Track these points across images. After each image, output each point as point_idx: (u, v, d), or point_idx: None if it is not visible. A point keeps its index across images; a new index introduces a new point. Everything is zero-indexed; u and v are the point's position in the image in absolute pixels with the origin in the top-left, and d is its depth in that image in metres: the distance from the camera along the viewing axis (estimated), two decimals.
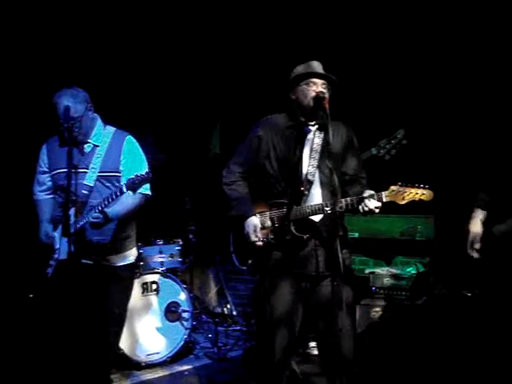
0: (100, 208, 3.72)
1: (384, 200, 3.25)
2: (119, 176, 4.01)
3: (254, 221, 3.55)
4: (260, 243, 3.51)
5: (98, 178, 3.93)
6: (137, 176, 3.60)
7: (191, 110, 7.36)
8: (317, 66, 3.58)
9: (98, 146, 3.98)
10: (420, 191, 3.22)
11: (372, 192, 3.28)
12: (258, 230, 3.53)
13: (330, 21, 6.04)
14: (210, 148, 7.86)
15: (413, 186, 3.23)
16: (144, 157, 4.11)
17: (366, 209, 3.26)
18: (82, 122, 3.89)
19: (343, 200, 3.32)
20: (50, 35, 5.58)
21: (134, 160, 4.05)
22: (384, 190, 3.27)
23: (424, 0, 5.58)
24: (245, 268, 3.76)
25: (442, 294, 4.98)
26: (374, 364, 4.46)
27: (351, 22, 5.99)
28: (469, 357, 4.33)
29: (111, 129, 4.10)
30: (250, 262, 3.69)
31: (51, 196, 4.11)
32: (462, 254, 5.06)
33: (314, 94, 3.46)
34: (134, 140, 4.13)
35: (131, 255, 4.23)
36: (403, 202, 3.24)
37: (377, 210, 3.27)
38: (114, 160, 4.00)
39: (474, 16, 5.29)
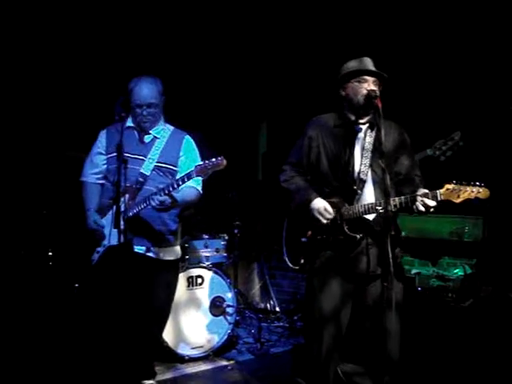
0: (167, 191, 3.78)
1: (439, 199, 3.20)
2: (175, 171, 4.12)
3: (321, 201, 3.52)
4: (329, 219, 3.48)
5: (155, 168, 4.06)
6: (210, 161, 3.64)
7: (239, 107, 7.38)
8: (369, 63, 3.55)
9: (158, 138, 4.13)
10: (476, 189, 3.16)
11: (426, 191, 3.24)
12: (329, 207, 3.49)
13: (384, 17, 5.95)
14: (257, 146, 7.87)
15: (468, 184, 3.17)
16: (199, 157, 4.18)
17: (421, 208, 3.22)
18: (153, 110, 4.04)
19: (396, 199, 3.29)
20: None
21: (192, 158, 4.16)
22: (439, 189, 3.23)
23: None
24: (296, 268, 3.75)
25: (488, 296, 4.90)
26: (418, 366, 4.42)
27: (407, 18, 5.89)
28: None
29: (170, 126, 4.25)
30: (301, 261, 3.69)
31: (101, 182, 4.21)
32: (510, 256, 5.00)
33: (365, 91, 3.44)
34: (192, 140, 4.22)
35: (178, 250, 4.31)
36: (459, 201, 3.19)
37: (432, 209, 3.23)
38: (173, 155, 4.14)
39: None
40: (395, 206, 3.28)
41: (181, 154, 4.17)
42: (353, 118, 3.56)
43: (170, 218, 4.15)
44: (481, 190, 3.17)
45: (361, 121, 3.55)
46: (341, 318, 3.56)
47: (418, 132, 3.78)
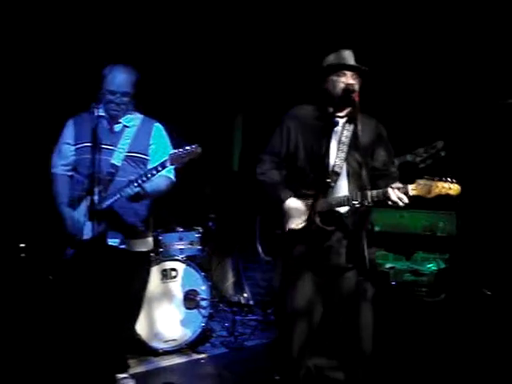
0: (140, 181, 3.74)
1: (410, 194, 3.19)
2: (146, 159, 4.08)
3: (295, 202, 3.51)
4: (302, 224, 3.46)
5: (125, 158, 4.00)
6: (184, 149, 3.60)
7: (215, 99, 7.33)
8: (348, 56, 3.53)
9: (128, 127, 4.07)
10: (447, 185, 3.15)
11: (399, 185, 3.23)
12: (301, 206, 3.48)
13: (366, 15, 5.94)
14: (232, 137, 7.84)
15: (440, 180, 3.16)
16: (171, 145, 4.14)
17: (391, 202, 3.22)
18: (126, 99, 3.99)
19: (369, 192, 3.29)
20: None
21: (163, 146, 4.13)
22: (411, 184, 3.22)
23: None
24: (269, 259, 3.74)
25: (461, 291, 4.95)
26: (391, 359, 4.44)
27: (390, 21, 5.89)
28: (486, 355, 4.31)
29: (140, 115, 4.19)
30: (274, 253, 3.68)
31: (70, 173, 4.12)
32: (483, 251, 5.05)
33: (343, 85, 3.43)
34: (162, 127, 4.19)
35: (151, 241, 4.28)
36: (430, 196, 3.18)
37: (402, 204, 3.22)
38: (143, 143, 4.09)
39: None
40: (368, 199, 3.27)
41: (151, 142, 4.11)
42: (331, 110, 3.54)
43: (143, 209, 4.10)
44: (452, 186, 3.16)
45: (339, 114, 3.54)
46: (313, 312, 3.55)
47: (400, 137, 3.77)
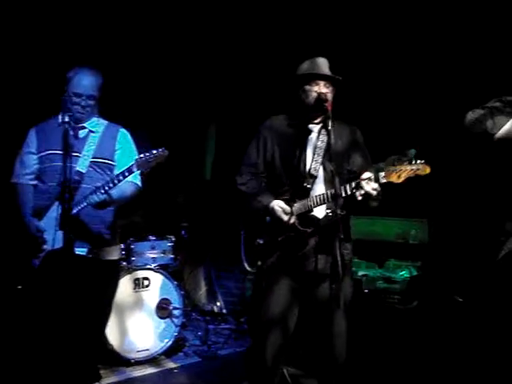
0: (106, 188, 3.70)
1: (381, 181, 3.21)
2: (112, 165, 4.02)
3: (278, 202, 3.51)
4: (293, 219, 3.46)
5: (91, 164, 3.92)
6: (151, 153, 3.57)
7: (187, 109, 7.32)
8: (321, 65, 3.55)
9: (92, 133, 4.00)
10: (415, 166, 3.16)
11: (370, 174, 3.25)
12: (287, 208, 3.48)
13: (335, 23, 5.97)
14: (206, 146, 7.84)
15: (409, 163, 3.18)
16: (136, 150, 4.11)
17: (362, 191, 3.23)
18: (92, 102, 3.93)
19: (343, 187, 3.29)
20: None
21: (129, 151, 4.08)
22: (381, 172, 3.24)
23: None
24: (254, 271, 3.72)
25: (433, 298, 4.98)
26: (364, 367, 4.45)
27: (356, 24, 5.93)
28: (458, 360, 4.34)
29: (104, 120, 4.13)
30: (259, 263, 3.66)
31: (34, 182, 4.02)
32: (454, 258, 5.09)
33: (315, 94, 3.46)
34: (127, 133, 4.15)
35: (119, 250, 4.24)
36: (400, 181, 3.18)
37: (374, 192, 3.23)
38: (108, 148, 4.02)
39: None
40: (344, 192, 3.28)
41: (117, 147, 4.05)
42: (305, 119, 3.57)
43: (109, 216, 4.02)
44: (420, 166, 3.17)
45: (313, 121, 3.57)
46: (288, 320, 3.55)
47: (372, 145, 3.79)
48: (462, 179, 5.25)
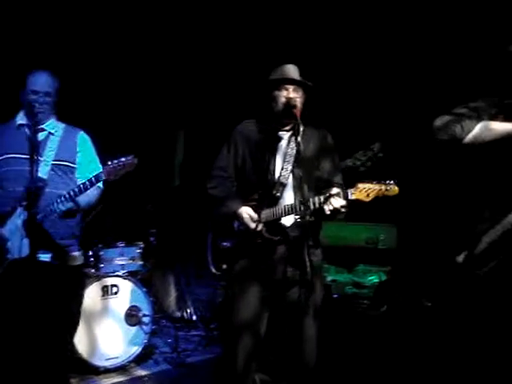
0: (71, 196, 3.65)
1: (350, 198, 3.24)
2: (74, 168, 3.96)
3: (246, 208, 3.52)
4: (260, 227, 3.46)
5: (52, 168, 3.85)
6: (119, 160, 3.52)
7: (156, 114, 7.30)
8: (290, 71, 3.57)
9: (52, 135, 3.93)
10: (384, 187, 3.20)
11: (338, 190, 3.27)
12: (254, 214, 3.49)
13: (302, 29, 6.01)
14: (174, 153, 7.82)
15: (378, 183, 3.22)
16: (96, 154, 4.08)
17: (331, 207, 3.24)
18: (50, 100, 3.88)
19: (311, 199, 3.30)
20: None
21: (89, 154, 4.04)
22: (351, 188, 3.26)
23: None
24: (219, 274, 3.72)
25: (402, 303, 5.01)
26: (334, 372, 4.46)
27: (320, 29, 5.98)
28: (427, 364, 4.37)
29: (62, 124, 4.06)
30: (224, 267, 3.66)
31: None
32: (422, 262, 5.13)
33: (284, 99, 3.48)
34: (87, 136, 4.12)
35: (82, 256, 4.16)
36: (368, 200, 3.22)
37: (342, 209, 3.26)
38: (69, 151, 3.97)
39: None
40: (313, 204, 3.29)
41: (78, 149, 3.99)
42: (275, 125, 3.59)
43: (73, 223, 3.96)
44: (389, 187, 3.21)
45: (283, 128, 3.58)
46: (258, 327, 3.55)
47: (339, 142, 3.82)
48: (430, 184, 5.30)
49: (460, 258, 3.21)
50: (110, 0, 5.85)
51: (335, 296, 5.32)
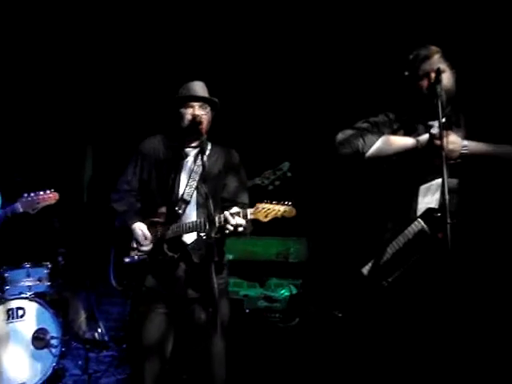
0: None
1: (249, 217, 3.26)
2: None
3: (140, 225, 3.51)
4: (149, 247, 3.47)
5: None
6: (37, 194, 3.41)
7: (63, 129, 7.15)
8: (196, 88, 3.58)
9: None
10: (282, 208, 3.24)
11: (238, 209, 3.29)
12: (147, 232, 3.48)
13: (212, 45, 6.04)
14: (83, 168, 7.67)
15: (277, 204, 3.25)
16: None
17: (230, 226, 3.26)
18: None
19: (216, 217, 3.28)
20: None
21: None
22: (251, 208, 3.29)
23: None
24: (120, 289, 3.67)
25: (314, 315, 5.07)
26: None
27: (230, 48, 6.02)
28: (339, 374, 4.43)
29: None
30: (125, 282, 3.61)
31: None
32: (333, 274, 5.21)
33: (190, 116, 3.48)
34: None
35: None
36: (266, 220, 3.26)
37: (241, 228, 3.27)
38: None
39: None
40: (216, 224, 3.27)
41: None
42: (182, 141, 3.59)
43: None
44: (287, 209, 3.25)
45: (190, 145, 3.59)
46: (164, 346, 3.53)
47: (248, 160, 3.84)
48: (338, 197, 5.40)
49: (365, 270, 3.28)
50: None
51: (247, 311, 5.32)
